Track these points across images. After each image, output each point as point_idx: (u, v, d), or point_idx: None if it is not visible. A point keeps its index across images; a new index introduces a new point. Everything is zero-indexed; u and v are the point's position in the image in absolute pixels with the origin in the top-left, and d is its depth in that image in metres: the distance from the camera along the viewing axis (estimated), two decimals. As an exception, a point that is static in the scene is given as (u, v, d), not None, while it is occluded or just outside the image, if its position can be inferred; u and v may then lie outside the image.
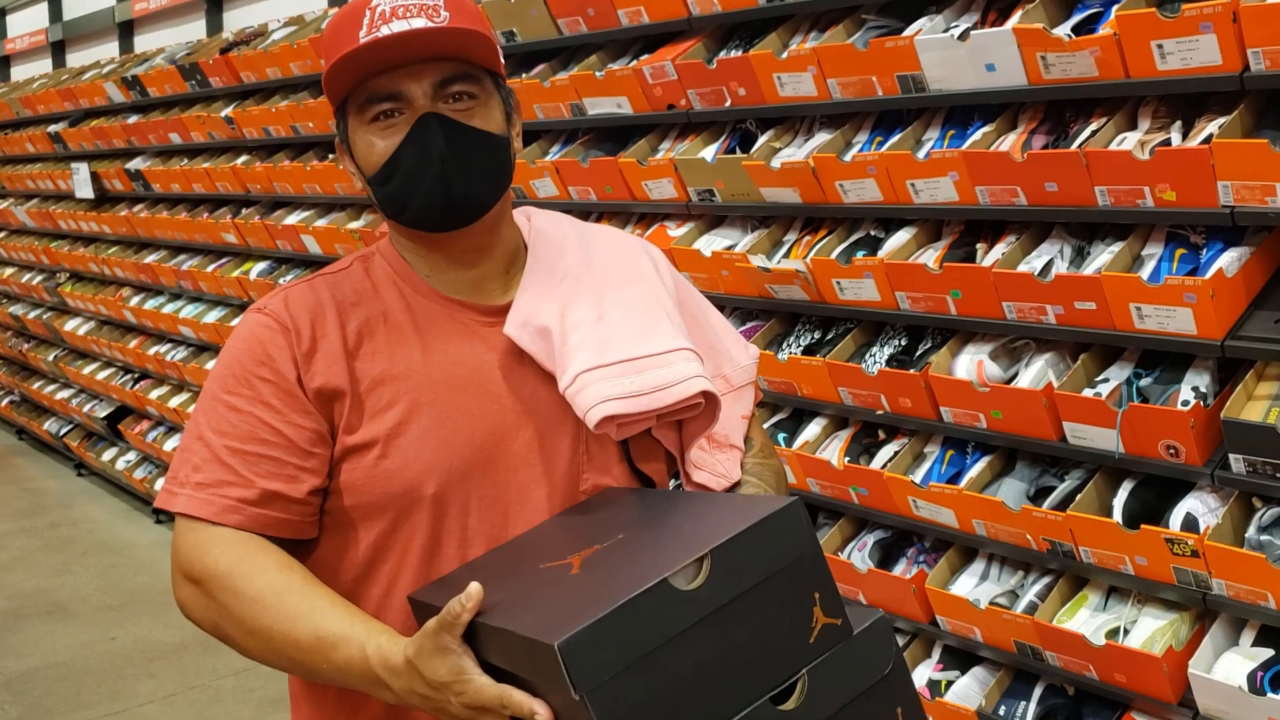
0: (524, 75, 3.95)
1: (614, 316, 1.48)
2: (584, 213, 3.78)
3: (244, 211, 5.79)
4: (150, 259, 6.63)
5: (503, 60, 1.49)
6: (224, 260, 6.04)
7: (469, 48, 1.40)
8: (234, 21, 7.23)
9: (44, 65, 9.90)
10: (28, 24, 10.43)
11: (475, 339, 1.47)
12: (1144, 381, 2.51)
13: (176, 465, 1.42)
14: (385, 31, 1.35)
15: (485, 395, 1.44)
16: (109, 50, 8.68)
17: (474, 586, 1.18)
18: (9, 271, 8.93)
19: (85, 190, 7.30)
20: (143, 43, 8.38)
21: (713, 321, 1.69)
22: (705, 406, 1.49)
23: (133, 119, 6.70)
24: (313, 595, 1.32)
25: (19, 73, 10.59)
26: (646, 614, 1.08)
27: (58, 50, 9.71)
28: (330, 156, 5.07)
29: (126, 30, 8.52)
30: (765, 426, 3.27)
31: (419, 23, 1.36)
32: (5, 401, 9.04)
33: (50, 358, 8.06)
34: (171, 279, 6.34)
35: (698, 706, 1.12)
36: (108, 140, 7.03)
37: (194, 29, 7.62)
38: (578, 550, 1.26)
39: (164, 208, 6.59)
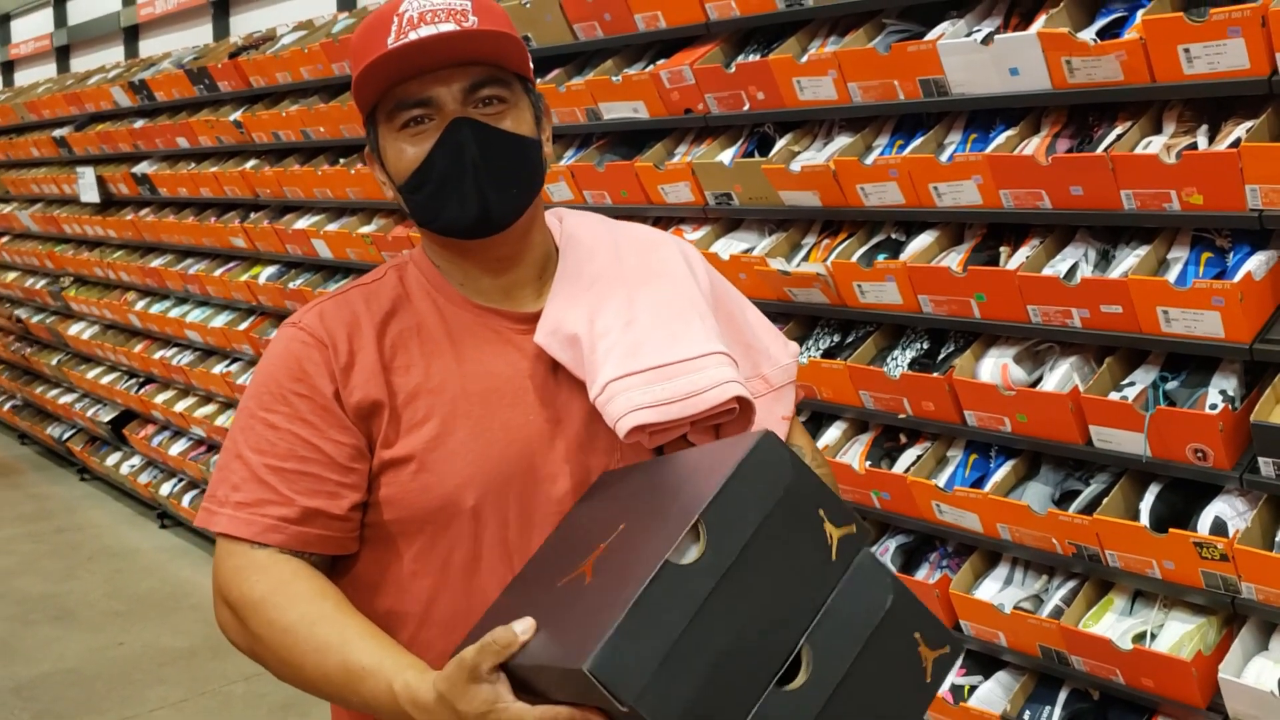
0: (539, 80, 3.95)
1: (644, 320, 1.45)
2: (600, 217, 3.78)
3: (253, 216, 5.78)
4: (156, 263, 6.62)
5: (532, 65, 1.48)
6: (232, 264, 6.03)
7: (499, 51, 1.39)
8: (240, 26, 7.23)
9: (49, 70, 9.91)
10: (33, 29, 10.43)
11: (509, 347, 1.45)
12: (1170, 385, 2.51)
13: (215, 484, 1.42)
14: (413, 37, 1.34)
15: (521, 405, 1.43)
16: (114, 55, 8.68)
17: (528, 620, 1.16)
18: (12, 276, 8.91)
19: (90, 194, 7.29)
20: (148, 47, 8.38)
21: (750, 319, 1.65)
22: (740, 412, 1.45)
23: (139, 123, 6.69)
24: (344, 626, 1.31)
25: (23, 77, 10.59)
26: (660, 602, 1.07)
27: (62, 55, 9.72)
28: (341, 161, 5.07)
29: (132, 35, 8.52)
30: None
31: (447, 27, 1.35)
32: (8, 406, 9.02)
33: (54, 362, 8.05)
34: (178, 283, 6.33)
35: (748, 665, 1.10)
36: (113, 145, 7.02)
37: (200, 33, 7.62)
38: (588, 554, 1.24)
39: (171, 212, 6.58)
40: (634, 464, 1.42)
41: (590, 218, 1.62)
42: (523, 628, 1.16)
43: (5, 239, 9.05)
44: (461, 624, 1.36)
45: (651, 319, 1.45)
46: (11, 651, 4.85)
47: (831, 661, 1.14)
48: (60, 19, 9.74)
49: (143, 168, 6.75)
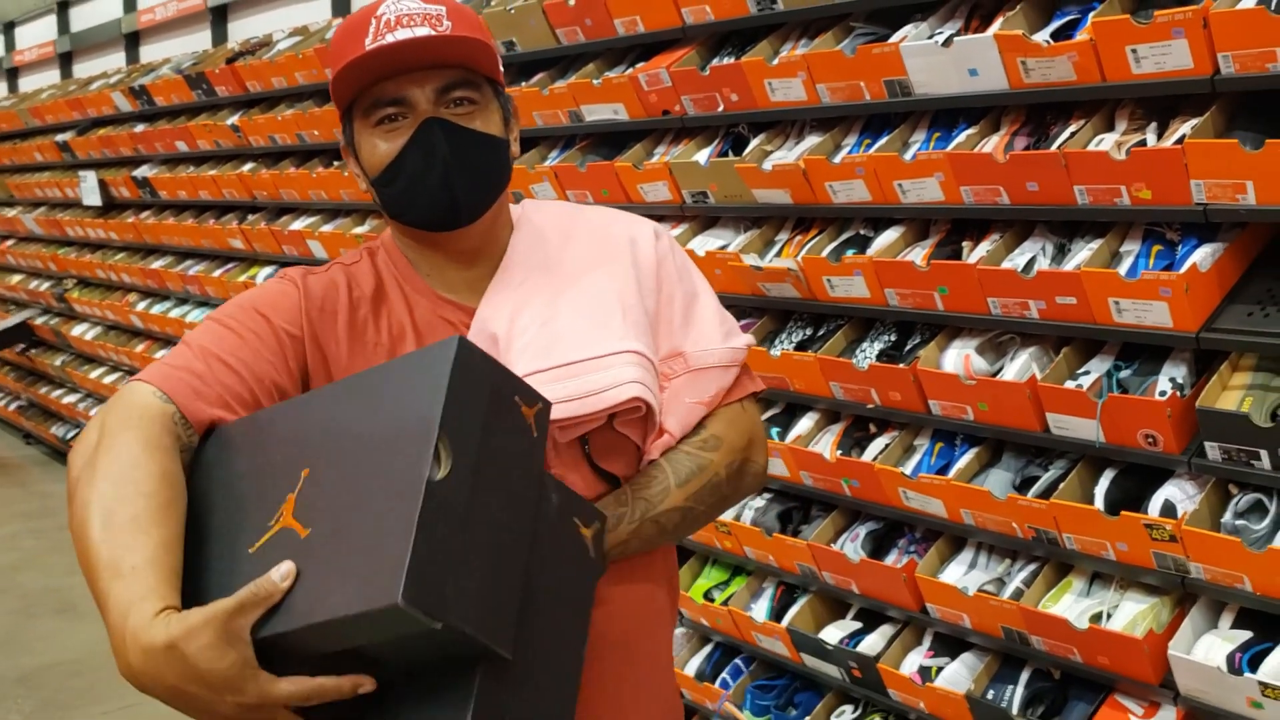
0: (523, 84, 4.04)
1: (562, 319, 1.51)
2: (583, 216, 3.87)
3: (250, 218, 5.89)
4: (157, 264, 6.73)
5: (502, 69, 1.56)
6: (230, 265, 6.14)
7: (470, 56, 1.46)
8: (239, 32, 7.33)
9: (52, 76, 10.01)
10: (36, 36, 10.54)
11: None
12: (1124, 373, 2.60)
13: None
14: (390, 39, 1.42)
15: None
16: (116, 61, 8.78)
17: (286, 565, 1.13)
18: (17, 278, 9.03)
19: (93, 198, 7.40)
20: (149, 53, 8.48)
21: (698, 304, 1.62)
22: (646, 410, 1.50)
23: (140, 128, 6.80)
24: (155, 517, 1.22)
25: (27, 83, 10.70)
26: (434, 520, 1.08)
27: (65, 61, 9.81)
28: (336, 163, 5.17)
29: (133, 41, 8.62)
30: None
31: (423, 31, 1.42)
32: (13, 407, 9.13)
33: (57, 362, 8.16)
34: (178, 284, 6.44)
35: (508, 548, 1.16)
36: (115, 149, 7.13)
37: (199, 39, 7.72)
38: (273, 509, 1.21)
39: (171, 214, 6.69)
40: (255, 415, 1.39)
41: (553, 207, 1.67)
42: (281, 575, 1.12)
43: (10, 242, 9.17)
44: None
45: (571, 316, 1.51)
46: (15, 643, 4.96)
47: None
48: (63, 26, 9.84)
49: (143, 171, 6.86)
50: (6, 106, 9.35)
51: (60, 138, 7.89)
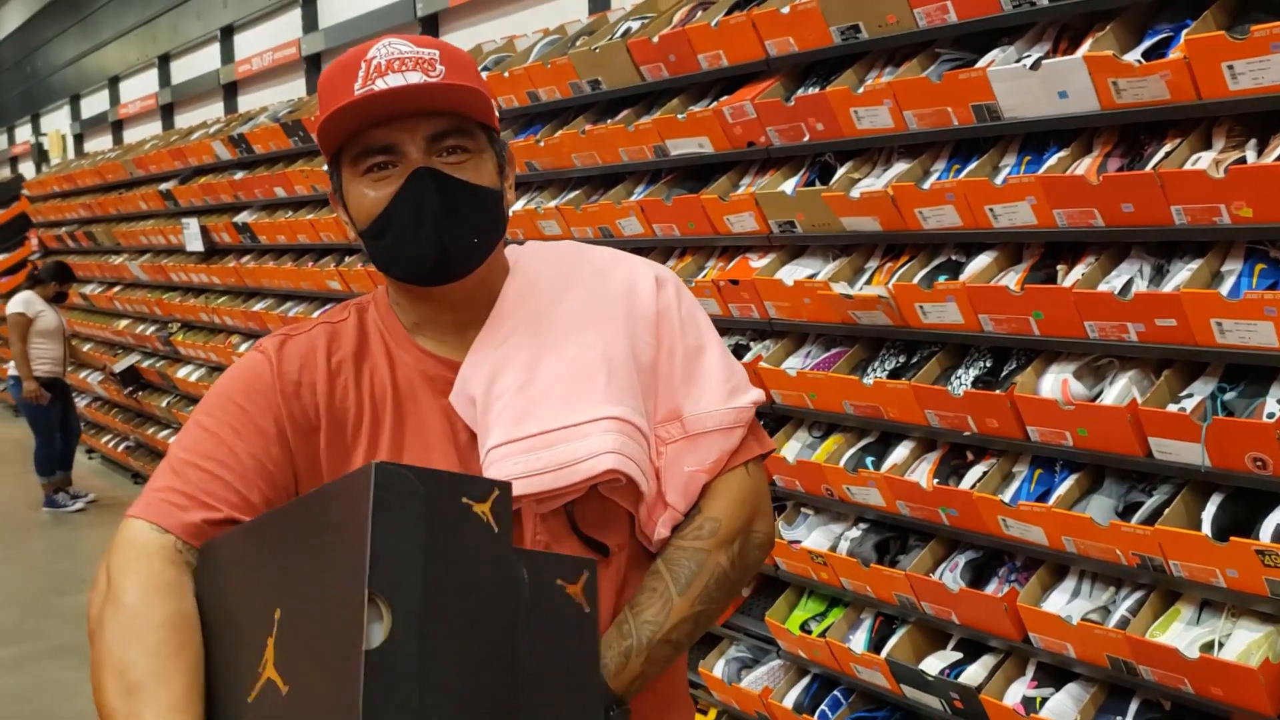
0: (608, 121, 4.09)
1: (543, 381, 1.43)
2: (668, 248, 3.91)
3: (347, 260, 6.02)
4: (258, 307, 6.90)
5: (498, 116, 1.48)
6: (328, 306, 6.24)
7: (463, 103, 1.39)
8: (332, 78, 7.50)
9: (154, 127, 10.35)
10: (139, 89, 10.91)
11: (444, 400, 1.46)
12: (1228, 396, 2.54)
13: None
14: (381, 85, 1.35)
15: (449, 462, 1.42)
16: (215, 111, 9.05)
17: None
18: (124, 323, 9.31)
19: (196, 244, 7.62)
20: (246, 102, 8.73)
21: (705, 359, 1.53)
22: (628, 483, 1.42)
23: (239, 175, 7.00)
24: (161, 675, 1.24)
25: (131, 135, 11.07)
26: (383, 695, 1.03)
27: (167, 113, 10.14)
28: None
29: (231, 91, 8.88)
30: (853, 450, 3.33)
31: (414, 77, 1.36)
32: (122, 448, 9.40)
33: (164, 404, 8.39)
34: (279, 326, 6.58)
35: (489, 652, 1.11)
36: (216, 196, 7.34)
37: (294, 88, 7.94)
38: (260, 653, 1.18)
39: (270, 258, 6.86)
40: (249, 523, 1.35)
41: (553, 251, 1.58)
42: None
43: (117, 289, 9.47)
44: None
45: (550, 379, 1.43)
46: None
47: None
48: (164, 78, 10.18)
49: (243, 217, 7.05)
50: (113, 158, 9.68)
51: (163, 186, 8.14)
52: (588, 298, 1.50)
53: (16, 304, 8.30)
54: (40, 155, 14.12)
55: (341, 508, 1.14)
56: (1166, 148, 2.61)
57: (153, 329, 8.68)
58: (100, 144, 12.10)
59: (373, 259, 1.45)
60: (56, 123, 14.16)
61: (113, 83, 11.72)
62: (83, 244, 10.23)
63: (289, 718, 1.12)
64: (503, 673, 1.13)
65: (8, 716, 4.65)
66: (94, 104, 12.60)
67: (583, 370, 1.44)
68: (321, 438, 1.42)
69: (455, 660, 1.09)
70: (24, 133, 15.86)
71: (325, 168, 1.49)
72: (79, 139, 13.16)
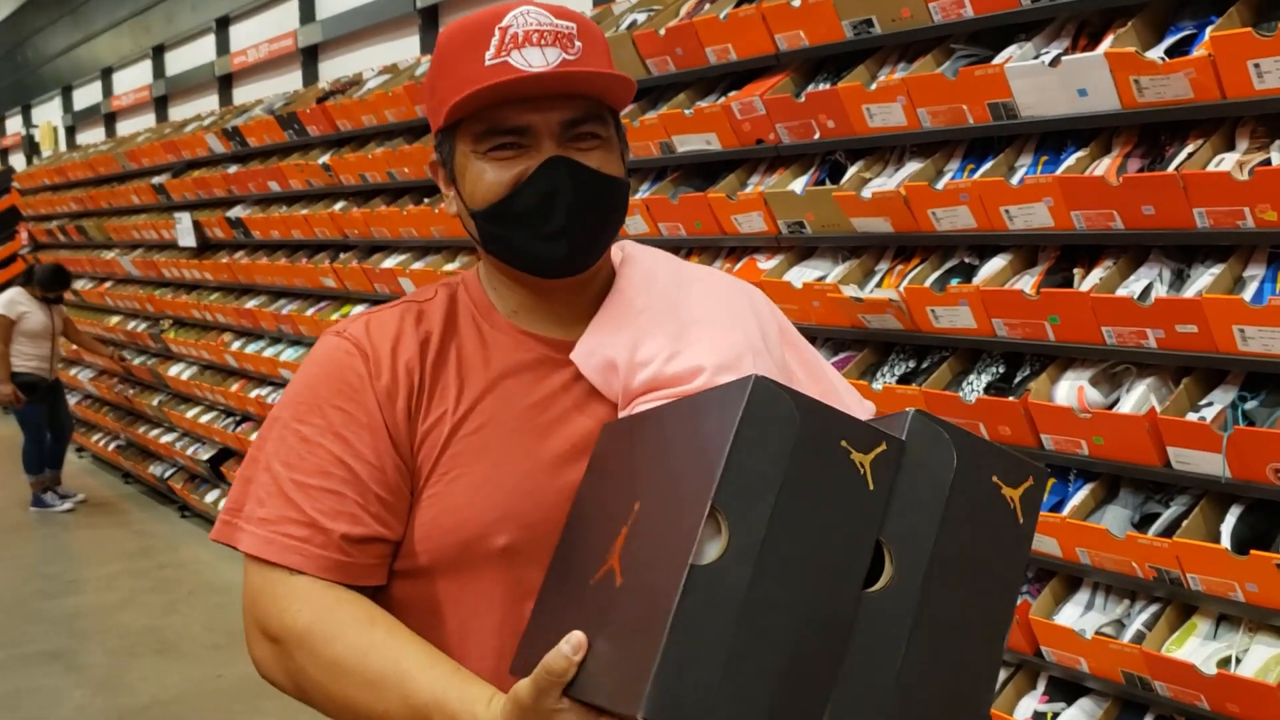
0: (613, 115, 4.01)
1: (689, 355, 1.34)
2: (674, 248, 3.83)
3: (342, 256, 5.94)
4: (251, 304, 6.82)
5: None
6: (323, 304, 6.19)
7: (608, 89, 1.30)
8: (329, 72, 7.44)
9: (148, 120, 10.27)
10: (133, 81, 10.83)
11: (550, 379, 1.36)
12: (1249, 404, 2.47)
13: (239, 495, 1.32)
14: (519, 62, 1.26)
15: (557, 438, 1.33)
16: (209, 103, 8.97)
17: (576, 636, 1.06)
18: (115, 319, 9.23)
19: (188, 239, 7.53)
20: (241, 94, 8.65)
21: (829, 373, 1.53)
22: None
23: (233, 169, 6.91)
24: (399, 655, 1.20)
25: (124, 128, 10.98)
26: (699, 614, 0.96)
27: (160, 105, 10.06)
28: (426, 200, 5.18)
29: (226, 83, 8.80)
30: (861, 457, 3.26)
31: (553, 54, 1.27)
32: (113, 447, 9.31)
33: (155, 403, 8.30)
34: (272, 323, 6.51)
35: (815, 634, 1.00)
36: (209, 190, 7.26)
37: (290, 80, 7.86)
38: (612, 542, 1.13)
39: (264, 254, 6.78)
40: (634, 416, 1.29)
41: (653, 251, 1.52)
42: (573, 647, 1.06)
43: (109, 284, 9.38)
44: (499, 670, 1.27)
45: (698, 354, 1.34)
46: (116, 683, 5.00)
47: (915, 547, 1.04)
48: (159, 70, 10.09)
49: (236, 212, 6.97)
50: (104, 151, 9.59)
51: (156, 180, 8.06)
52: (712, 293, 1.44)
53: None
54: (31, 147, 14.01)
55: (713, 417, 1.06)
56: (1189, 148, 2.54)
57: (144, 326, 8.59)
58: (93, 136, 12.00)
59: (485, 243, 1.35)
60: (48, 114, 14.05)
61: (105, 74, 11.62)
62: (74, 238, 10.14)
63: (614, 609, 1.07)
64: (832, 637, 1.02)
65: (-10, 721, 4.58)
66: (86, 95, 12.49)
67: (730, 349, 1.35)
68: (411, 405, 1.32)
69: (784, 610, 1.00)
70: (14, 124, 15.74)
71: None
72: (71, 131, 13.06)
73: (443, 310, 1.39)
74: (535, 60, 1.26)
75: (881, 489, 1.05)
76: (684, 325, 1.37)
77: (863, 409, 1.48)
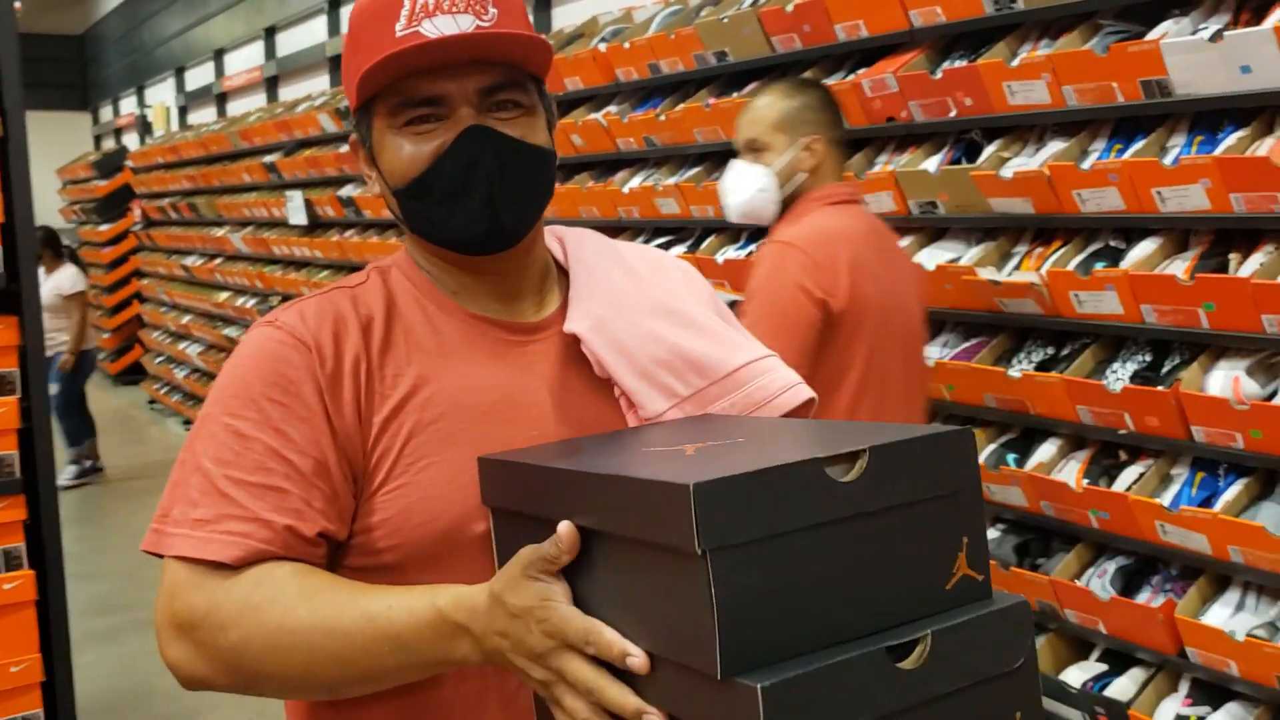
0: (735, 94, 3.94)
1: (677, 334, 1.33)
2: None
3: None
4: (360, 282, 6.85)
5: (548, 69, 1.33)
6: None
7: (525, 56, 1.25)
8: (438, 52, 7.44)
9: (258, 100, 10.40)
10: (244, 62, 10.98)
11: (508, 360, 1.30)
12: None
13: (168, 501, 1.21)
14: (430, 30, 1.20)
15: (524, 421, 1.27)
16: (320, 84, 9.04)
17: (564, 529, 1.02)
18: (224, 295, 9.38)
19: (299, 217, 7.61)
20: (351, 75, 8.70)
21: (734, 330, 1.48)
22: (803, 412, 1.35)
23: (344, 148, 6.95)
24: (350, 586, 1.14)
25: (235, 108, 11.14)
26: (793, 490, 0.94)
27: (271, 85, 10.18)
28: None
29: (336, 64, 8.86)
30: (993, 446, 3.17)
31: (466, 21, 1.21)
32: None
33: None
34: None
35: (814, 614, 0.96)
36: (320, 169, 7.32)
37: (400, 60, 7.87)
38: (690, 441, 1.10)
39: (374, 233, 6.82)
40: (738, 416, 1.28)
41: (588, 234, 1.46)
42: (562, 538, 1.02)
43: (219, 260, 9.54)
44: (480, 670, 1.20)
45: (694, 331, 1.34)
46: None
47: (944, 667, 1.00)
48: (270, 51, 10.21)
49: (347, 191, 7.02)
50: (217, 130, 9.74)
51: (267, 159, 8.15)
52: (658, 274, 1.41)
53: None
54: (144, 127, 14.29)
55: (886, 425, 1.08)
56: (1364, 128, 2.40)
57: (253, 303, 8.71)
58: (204, 116, 12.20)
59: (406, 221, 1.30)
60: (161, 95, 14.33)
61: (218, 55, 11.80)
62: (185, 215, 10.32)
63: (676, 459, 1.03)
64: (846, 630, 0.99)
65: (107, 689, 4.65)
66: (198, 76, 12.70)
67: (709, 322, 1.36)
68: (360, 396, 1.23)
69: (836, 569, 0.98)
70: (129, 104, 16.08)
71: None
72: (183, 111, 13.30)
73: (380, 293, 1.31)
74: (446, 27, 1.20)
75: (953, 598, 1.04)
76: (658, 303, 1.35)
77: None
